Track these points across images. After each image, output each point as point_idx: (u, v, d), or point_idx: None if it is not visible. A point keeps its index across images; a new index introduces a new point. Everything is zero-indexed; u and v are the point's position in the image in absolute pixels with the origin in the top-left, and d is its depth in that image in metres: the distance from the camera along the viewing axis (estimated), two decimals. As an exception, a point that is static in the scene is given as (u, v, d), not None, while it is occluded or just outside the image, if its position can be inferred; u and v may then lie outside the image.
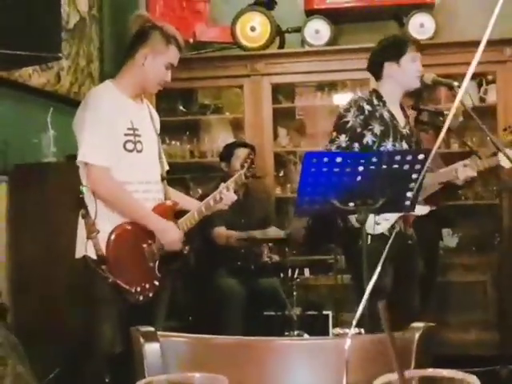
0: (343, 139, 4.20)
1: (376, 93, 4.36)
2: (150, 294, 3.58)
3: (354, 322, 1.25)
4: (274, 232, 5.58)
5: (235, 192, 3.97)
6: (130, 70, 3.72)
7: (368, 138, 4.25)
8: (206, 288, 5.44)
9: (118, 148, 3.58)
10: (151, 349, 1.59)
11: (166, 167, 3.91)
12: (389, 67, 4.34)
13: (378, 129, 4.25)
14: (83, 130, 3.54)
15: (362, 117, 4.22)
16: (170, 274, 3.77)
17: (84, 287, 3.70)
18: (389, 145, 4.25)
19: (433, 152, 1.40)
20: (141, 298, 3.54)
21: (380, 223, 4.23)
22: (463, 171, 4.34)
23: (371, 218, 4.16)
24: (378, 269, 1.18)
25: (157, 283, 3.62)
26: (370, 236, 4.17)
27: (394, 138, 4.28)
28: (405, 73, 4.34)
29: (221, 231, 5.50)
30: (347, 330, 1.39)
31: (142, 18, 3.80)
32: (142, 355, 1.58)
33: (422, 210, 4.42)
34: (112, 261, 3.45)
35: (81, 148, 3.55)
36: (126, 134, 3.61)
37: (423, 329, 1.52)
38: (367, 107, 4.26)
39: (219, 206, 3.84)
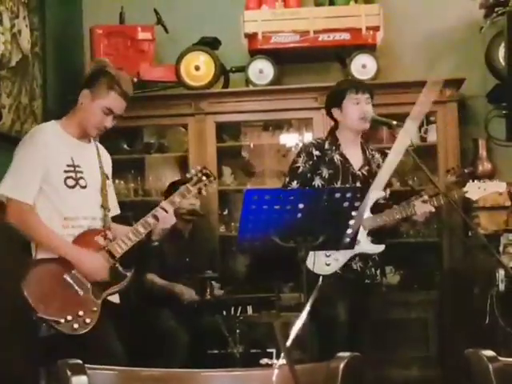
0: (294, 185, 4.41)
1: (332, 137, 4.50)
2: (88, 320, 3.56)
3: (283, 353, 1.26)
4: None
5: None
6: (74, 110, 3.81)
7: (317, 182, 4.45)
8: (150, 328, 5.39)
9: (59, 184, 3.64)
10: (79, 382, 1.57)
11: (118, 210, 3.99)
12: (335, 113, 4.57)
13: (326, 172, 4.44)
14: (12, 165, 3.63)
15: (310, 162, 4.44)
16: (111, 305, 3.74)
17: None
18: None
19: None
20: (75, 325, 3.52)
21: (330, 263, 4.28)
22: (421, 206, 4.39)
23: (321, 260, 4.21)
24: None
25: (95, 309, 3.60)
26: (321, 277, 4.21)
27: (343, 180, 4.44)
28: (347, 116, 4.50)
29: (150, 278, 5.46)
30: (275, 361, 1.40)
31: (98, 63, 3.93)
32: (69, 389, 1.56)
33: (377, 248, 4.46)
34: (33, 296, 3.47)
35: (4, 181, 3.62)
36: (65, 171, 3.66)
37: (348, 358, 1.54)
38: (316, 153, 4.46)
39: (160, 226, 3.83)
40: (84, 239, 3.67)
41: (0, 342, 4.45)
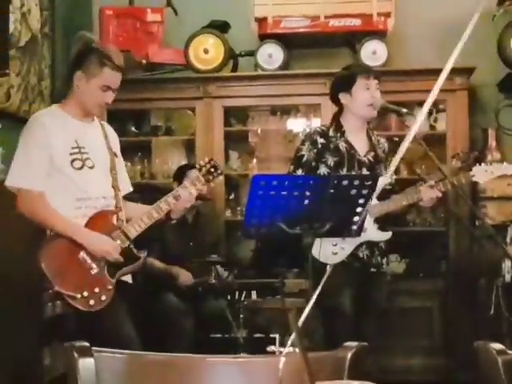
0: (299, 173, 4.34)
1: (336, 123, 4.44)
2: (103, 298, 3.57)
3: (290, 341, 1.25)
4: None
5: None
6: (72, 92, 3.78)
7: (322, 170, 4.38)
8: (154, 311, 5.40)
9: (66, 167, 3.63)
10: (85, 364, 1.57)
11: (130, 188, 3.99)
12: (343, 98, 4.47)
13: (331, 160, 4.37)
14: (16, 155, 3.63)
15: (315, 150, 4.37)
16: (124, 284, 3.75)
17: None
18: None
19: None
20: (92, 302, 3.54)
21: (337, 252, 4.24)
22: (427, 192, 4.32)
23: (328, 248, 4.16)
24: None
25: (110, 287, 3.62)
26: (328, 266, 4.16)
27: (349, 167, 4.37)
28: (356, 102, 4.42)
29: (150, 262, 5.46)
30: (282, 349, 1.39)
31: (82, 40, 3.83)
32: (76, 371, 1.56)
33: (384, 235, 4.41)
34: (50, 269, 3.50)
35: (11, 172, 3.64)
36: (71, 153, 3.66)
37: (356, 348, 1.53)
38: (320, 140, 4.39)
39: (179, 206, 3.82)
40: (97, 220, 3.67)
41: (5, 323, 4.46)
